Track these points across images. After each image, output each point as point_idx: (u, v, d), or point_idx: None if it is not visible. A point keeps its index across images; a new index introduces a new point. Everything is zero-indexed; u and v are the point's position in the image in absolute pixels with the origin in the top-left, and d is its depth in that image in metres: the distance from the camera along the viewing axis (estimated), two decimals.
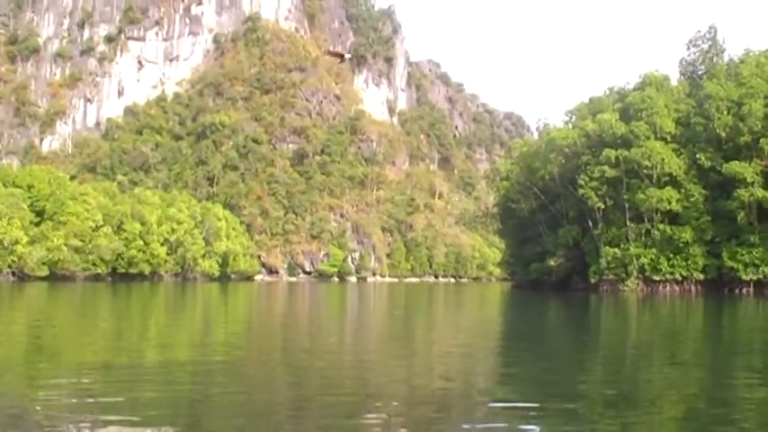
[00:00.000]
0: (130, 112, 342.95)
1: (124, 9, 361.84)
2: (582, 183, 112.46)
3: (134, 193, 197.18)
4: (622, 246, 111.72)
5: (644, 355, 26.69)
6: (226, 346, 26.64)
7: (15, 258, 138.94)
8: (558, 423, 12.92)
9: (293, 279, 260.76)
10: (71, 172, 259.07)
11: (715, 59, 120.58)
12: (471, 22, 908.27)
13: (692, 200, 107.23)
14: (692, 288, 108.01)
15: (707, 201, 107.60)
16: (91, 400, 14.51)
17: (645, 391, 17.03)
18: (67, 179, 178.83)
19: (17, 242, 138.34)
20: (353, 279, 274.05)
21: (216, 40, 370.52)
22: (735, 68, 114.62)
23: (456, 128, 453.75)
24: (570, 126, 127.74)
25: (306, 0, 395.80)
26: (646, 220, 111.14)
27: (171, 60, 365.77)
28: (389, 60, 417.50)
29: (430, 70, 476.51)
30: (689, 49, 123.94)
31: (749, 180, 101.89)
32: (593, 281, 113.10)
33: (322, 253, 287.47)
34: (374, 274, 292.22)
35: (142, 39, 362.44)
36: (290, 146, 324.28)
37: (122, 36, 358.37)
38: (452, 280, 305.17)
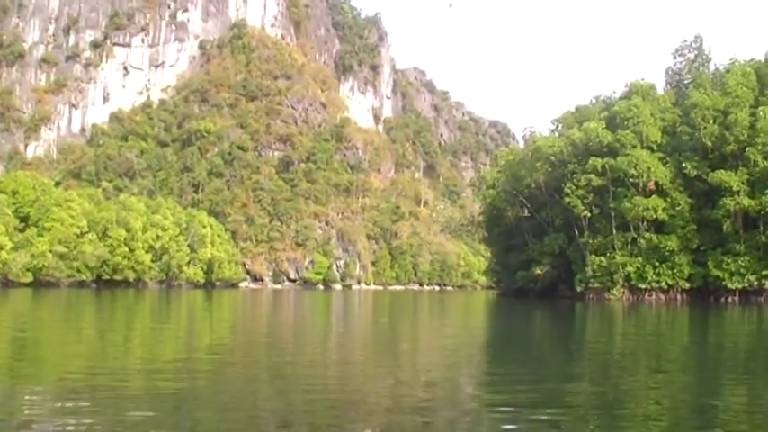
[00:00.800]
0: (115, 118, 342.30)
1: (110, 15, 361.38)
2: (568, 191, 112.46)
3: (119, 200, 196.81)
4: (608, 254, 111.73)
5: (630, 362, 26.61)
6: (210, 354, 26.42)
7: (0, 265, 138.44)
8: (545, 431, 12.74)
9: (278, 286, 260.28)
10: (56, 178, 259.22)
11: (701, 69, 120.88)
12: (457, 30, 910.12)
13: (677, 209, 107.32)
14: (678, 296, 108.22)
15: (693, 209, 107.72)
16: (71, 406, 14.35)
17: (631, 398, 16.96)
18: (52, 185, 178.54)
19: (1, 248, 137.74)
20: (338, 287, 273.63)
21: (202, 47, 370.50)
22: (720, 78, 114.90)
23: (441, 136, 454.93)
24: (556, 134, 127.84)
25: (292, 7, 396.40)
26: (632, 228, 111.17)
27: (156, 67, 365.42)
28: (375, 68, 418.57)
29: (416, 78, 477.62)
30: (675, 58, 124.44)
31: (735, 189, 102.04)
32: (578, 289, 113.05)
33: (307, 260, 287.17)
34: (359, 282, 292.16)
35: (128, 45, 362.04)
36: (276, 153, 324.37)
37: (108, 42, 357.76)
38: (437, 288, 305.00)
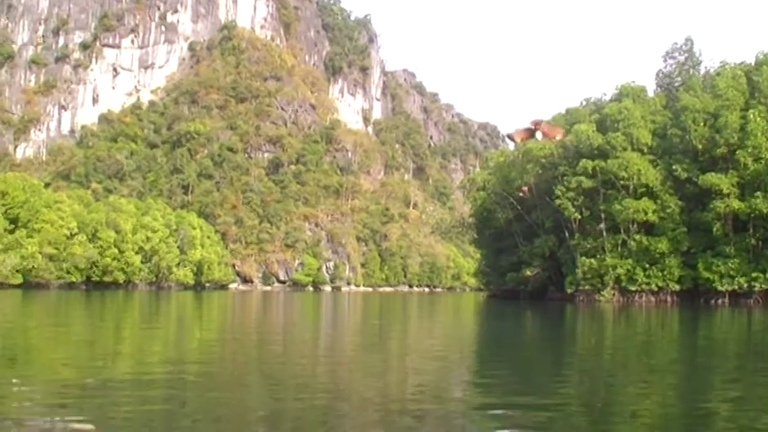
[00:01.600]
0: (105, 119, 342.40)
1: (99, 16, 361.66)
2: (558, 193, 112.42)
3: (108, 201, 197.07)
4: (598, 256, 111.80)
5: (620, 363, 26.71)
6: (200, 355, 26.30)
7: None
8: None
9: (267, 288, 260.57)
10: (45, 179, 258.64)
11: (691, 71, 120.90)
12: (447, 32, 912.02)
13: (668, 211, 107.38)
14: (668, 298, 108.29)
15: (683, 212, 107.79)
16: (59, 408, 14.19)
17: (622, 400, 16.91)
18: (42, 186, 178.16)
19: None
20: (328, 288, 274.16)
21: (191, 48, 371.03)
22: (711, 80, 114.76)
23: (431, 137, 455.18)
24: None
25: (282, 9, 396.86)
26: (622, 230, 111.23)
27: (146, 68, 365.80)
28: (365, 70, 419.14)
29: (405, 80, 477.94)
30: (665, 61, 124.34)
31: (725, 191, 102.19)
32: (569, 291, 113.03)
33: (296, 262, 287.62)
34: (348, 284, 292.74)
35: (117, 46, 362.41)
36: (266, 155, 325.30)
37: (97, 43, 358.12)
38: (427, 290, 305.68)
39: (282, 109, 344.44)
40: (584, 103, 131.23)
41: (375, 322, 55.10)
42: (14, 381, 13.43)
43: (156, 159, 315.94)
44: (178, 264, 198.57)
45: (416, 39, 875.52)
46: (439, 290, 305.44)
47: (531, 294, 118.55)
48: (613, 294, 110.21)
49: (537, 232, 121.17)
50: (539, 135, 38.07)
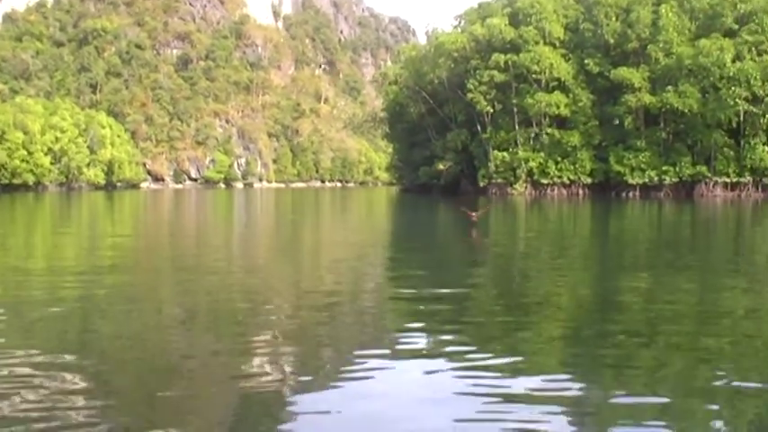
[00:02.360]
0: (9, 18, 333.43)
1: None
2: (471, 87, 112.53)
3: (15, 102, 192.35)
4: (511, 150, 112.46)
5: (533, 253, 26.95)
6: (112, 257, 25.68)
7: None
8: (448, 327, 12.66)
9: (179, 186, 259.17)
10: None
11: None
12: None
13: (580, 105, 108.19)
14: (580, 191, 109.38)
15: (594, 106, 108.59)
16: None
17: (535, 291, 17.00)
18: None
19: None
20: (240, 185, 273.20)
21: None
22: None
23: (341, 32, 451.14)
24: (459, 31, 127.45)
25: None
26: (534, 124, 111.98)
27: None
28: None
29: None
30: None
31: (636, 86, 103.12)
32: (481, 184, 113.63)
33: (208, 159, 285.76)
34: (260, 180, 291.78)
35: None
36: (174, 51, 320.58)
37: None
38: (339, 185, 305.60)
39: (190, 4, 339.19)
40: None
41: (292, 218, 55.15)
42: None
43: (62, 58, 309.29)
44: (88, 164, 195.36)
45: None
46: (351, 185, 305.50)
47: (444, 188, 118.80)
48: (526, 187, 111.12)
49: (449, 126, 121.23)
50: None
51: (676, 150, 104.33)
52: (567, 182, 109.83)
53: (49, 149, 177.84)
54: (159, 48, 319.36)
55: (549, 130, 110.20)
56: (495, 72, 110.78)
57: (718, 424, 7.83)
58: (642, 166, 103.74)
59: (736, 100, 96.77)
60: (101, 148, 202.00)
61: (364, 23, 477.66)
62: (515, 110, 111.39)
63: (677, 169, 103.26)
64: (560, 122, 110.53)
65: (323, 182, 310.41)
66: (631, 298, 15.66)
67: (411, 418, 7.84)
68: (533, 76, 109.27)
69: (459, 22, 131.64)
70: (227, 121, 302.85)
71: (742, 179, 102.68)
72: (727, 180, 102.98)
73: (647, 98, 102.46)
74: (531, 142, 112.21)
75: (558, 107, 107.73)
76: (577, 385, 9.01)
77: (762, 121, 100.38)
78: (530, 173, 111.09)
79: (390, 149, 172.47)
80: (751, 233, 39.71)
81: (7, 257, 24.57)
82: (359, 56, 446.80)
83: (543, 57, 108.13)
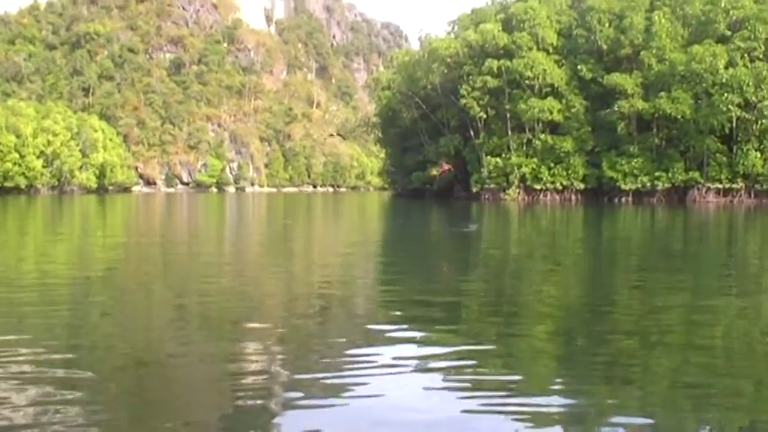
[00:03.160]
0: (2, 21, 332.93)
1: None
2: (464, 93, 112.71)
3: (7, 105, 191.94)
4: (504, 155, 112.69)
5: (526, 259, 26.79)
6: (104, 260, 25.64)
7: None
8: (440, 332, 12.68)
9: (171, 190, 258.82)
10: None
11: None
12: None
13: (573, 110, 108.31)
14: (573, 197, 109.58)
15: (588, 111, 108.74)
16: None
17: (527, 290, 17.03)
18: None
19: None
20: (232, 189, 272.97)
21: None
22: None
23: (333, 37, 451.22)
24: (453, 36, 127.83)
25: None
26: (527, 129, 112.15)
27: None
28: None
29: None
30: None
31: (629, 92, 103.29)
32: (474, 190, 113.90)
33: (200, 163, 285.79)
34: (252, 184, 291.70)
35: None
36: (167, 55, 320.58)
37: None
38: (331, 189, 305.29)
39: (183, 8, 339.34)
40: (490, 2, 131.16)
41: (286, 222, 55.19)
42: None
43: (55, 61, 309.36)
44: (80, 167, 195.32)
45: None
46: (343, 189, 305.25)
47: (436, 193, 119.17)
48: (518, 193, 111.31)
49: (442, 131, 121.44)
50: None
51: (669, 156, 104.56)
52: (560, 187, 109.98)
53: (42, 152, 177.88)
54: (152, 52, 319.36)
55: (542, 136, 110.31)
56: (488, 78, 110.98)
57: None
58: (635, 171, 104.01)
59: (729, 106, 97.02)
60: (93, 152, 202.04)
61: (357, 28, 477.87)
62: (508, 115, 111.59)
63: (670, 175, 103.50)
64: (553, 128, 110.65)
65: (315, 186, 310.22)
66: (624, 305, 15.64)
67: (405, 423, 7.90)
68: (526, 81, 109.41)
69: (453, 28, 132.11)
70: (220, 126, 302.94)
71: (734, 185, 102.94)
72: (720, 186, 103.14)
73: (640, 104, 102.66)
74: (524, 148, 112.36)
75: (551, 113, 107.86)
76: (569, 394, 9.05)
77: (754, 127, 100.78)
78: (522, 178, 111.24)
79: (383, 154, 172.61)
80: (743, 239, 39.83)
81: None
82: (351, 61, 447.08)
83: (536, 62, 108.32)
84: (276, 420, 7.91)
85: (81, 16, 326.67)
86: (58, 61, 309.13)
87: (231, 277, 20.04)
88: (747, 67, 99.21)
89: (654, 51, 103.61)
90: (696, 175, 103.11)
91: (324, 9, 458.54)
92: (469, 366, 9.95)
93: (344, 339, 11.79)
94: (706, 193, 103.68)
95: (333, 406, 8.27)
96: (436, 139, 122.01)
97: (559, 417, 8.06)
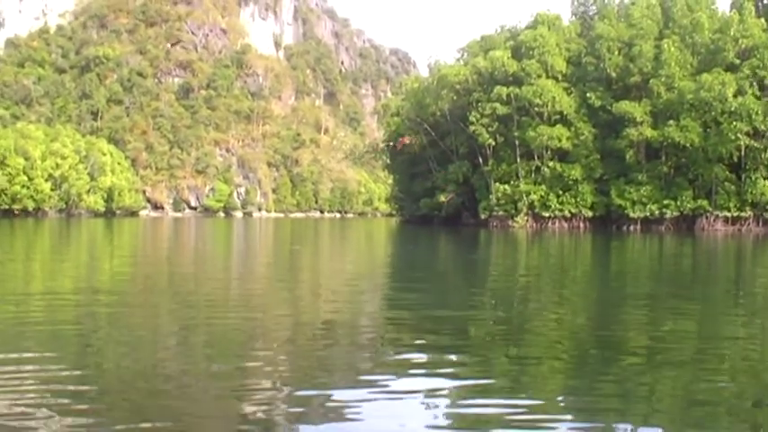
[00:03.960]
0: (12, 44, 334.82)
1: None
2: (473, 119, 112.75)
3: (17, 128, 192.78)
4: (512, 182, 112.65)
5: (534, 286, 26.63)
6: (112, 285, 25.59)
7: None
8: (447, 361, 12.67)
9: (178, 214, 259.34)
10: None
11: (606, 0, 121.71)
12: None
13: (581, 138, 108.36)
14: (581, 224, 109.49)
15: (596, 139, 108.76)
16: None
17: (536, 324, 16.92)
18: None
19: None
20: (239, 214, 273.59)
21: None
22: (626, 10, 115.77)
23: (342, 63, 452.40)
24: (462, 63, 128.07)
25: None
26: (536, 157, 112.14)
27: None
28: None
29: (316, 4, 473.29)
30: None
31: (638, 119, 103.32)
32: (483, 216, 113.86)
33: (207, 188, 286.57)
34: (260, 209, 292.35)
35: None
36: (176, 80, 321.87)
37: None
38: (338, 215, 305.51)
39: (193, 33, 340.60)
40: (500, 30, 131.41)
41: (295, 248, 55.15)
42: None
43: (64, 85, 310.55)
44: (88, 191, 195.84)
45: None
46: (350, 215, 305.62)
47: (444, 220, 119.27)
48: (527, 220, 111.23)
49: (451, 158, 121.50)
50: None
51: (677, 184, 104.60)
52: (569, 215, 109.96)
53: (50, 175, 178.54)
54: (161, 76, 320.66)
55: (550, 164, 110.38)
56: (497, 105, 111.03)
57: None
58: (643, 199, 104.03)
59: (738, 134, 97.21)
60: (101, 175, 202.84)
61: (365, 54, 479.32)
62: (517, 142, 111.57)
63: (678, 203, 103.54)
64: (562, 156, 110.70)
65: (322, 212, 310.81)
66: (631, 330, 15.68)
67: None
68: (535, 109, 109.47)
69: (462, 55, 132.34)
70: (228, 150, 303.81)
71: (743, 213, 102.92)
72: (728, 214, 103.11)
73: (649, 132, 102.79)
74: (533, 175, 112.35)
75: (560, 140, 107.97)
76: (574, 416, 9.11)
77: (763, 155, 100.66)
78: (531, 205, 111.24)
79: (390, 180, 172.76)
80: (752, 268, 39.76)
81: (4, 283, 24.59)
82: (359, 87, 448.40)
83: (545, 90, 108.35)
84: None
85: (90, 40, 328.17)
86: (68, 84, 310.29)
87: (239, 301, 19.99)
88: (756, 96, 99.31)
89: (663, 79, 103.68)
90: (704, 203, 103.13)
91: (332, 35, 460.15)
92: (478, 387, 10.01)
93: (352, 367, 11.69)
94: (714, 221, 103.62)
95: None
96: (445, 165, 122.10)
97: None
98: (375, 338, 14.37)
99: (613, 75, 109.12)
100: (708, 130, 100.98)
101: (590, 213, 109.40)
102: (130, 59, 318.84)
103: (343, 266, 36.43)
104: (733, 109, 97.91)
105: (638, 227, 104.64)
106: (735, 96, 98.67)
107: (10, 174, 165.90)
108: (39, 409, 8.76)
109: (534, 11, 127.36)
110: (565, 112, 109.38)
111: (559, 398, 9.92)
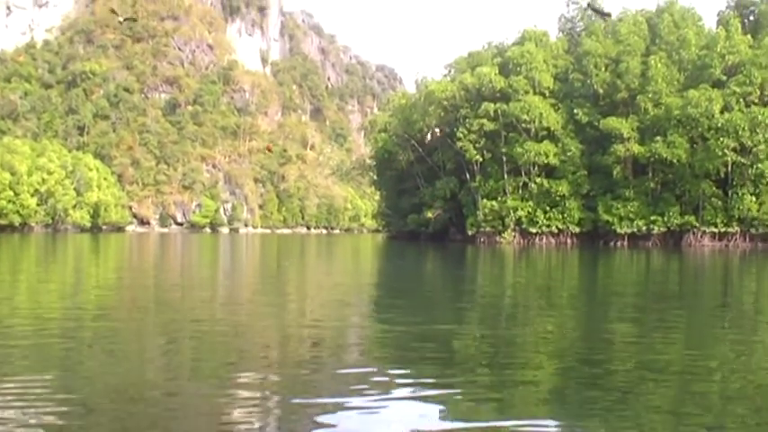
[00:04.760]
0: None
1: None
2: (460, 135, 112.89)
3: (2, 143, 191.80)
4: (499, 198, 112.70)
5: (521, 303, 26.57)
6: (97, 302, 25.06)
7: None
8: (431, 381, 12.52)
9: (165, 230, 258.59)
10: None
11: (593, 17, 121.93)
12: None
13: (569, 154, 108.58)
14: (568, 240, 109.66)
15: (584, 155, 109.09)
16: None
17: (523, 342, 16.67)
18: None
19: None
20: (225, 230, 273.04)
21: None
22: (613, 26, 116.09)
23: (328, 79, 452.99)
24: (449, 79, 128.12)
25: None
26: (523, 173, 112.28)
27: (40, 6, 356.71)
28: (263, 10, 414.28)
29: (303, 21, 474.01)
30: (568, 5, 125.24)
31: (625, 136, 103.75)
32: (470, 233, 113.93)
33: (194, 204, 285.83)
34: (246, 225, 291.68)
35: None
36: (162, 95, 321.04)
37: None
38: (324, 231, 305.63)
39: (179, 49, 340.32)
40: (487, 46, 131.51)
41: (284, 263, 55.01)
42: None
43: (50, 100, 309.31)
44: (75, 206, 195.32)
45: None
46: (337, 231, 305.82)
47: (432, 236, 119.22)
48: (514, 236, 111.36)
49: (438, 174, 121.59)
50: None
51: (664, 200, 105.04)
52: (556, 231, 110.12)
53: (36, 191, 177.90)
54: (147, 91, 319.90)
55: (537, 180, 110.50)
56: (484, 121, 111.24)
57: None
58: (630, 215, 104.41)
59: (725, 150, 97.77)
60: (87, 191, 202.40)
61: (351, 71, 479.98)
62: (504, 159, 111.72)
63: (665, 219, 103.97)
64: (549, 172, 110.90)
65: (308, 228, 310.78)
66: (618, 346, 15.64)
67: None
68: (523, 125, 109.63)
69: (449, 71, 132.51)
70: (214, 166, 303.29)
71: (730, 229, 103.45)
72: (715, 230, 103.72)
73: (636, 148, 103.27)
74: (520, 191, 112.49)
75: (547, 156, 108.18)
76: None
77: (750, 171, 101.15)
78: (518, 222, 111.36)
79: (377, 196, 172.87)
80: (738, 284, 39.76)
81: None
82: (345, 103, 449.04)
83: (533, 106, 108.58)
84: None
85: (77, 55, 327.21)
86: (54, 100, 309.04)
87: (226, 318, 19.83)
88: (743, 112, 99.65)
89: (650, 95, 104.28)
90: (691, 219, 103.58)
91: (319, 51, 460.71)
92: (465, 403, 9.93)
93: (339, 383, 11.62)
94: (701, 236, 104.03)
95: None
96: (432, 181, 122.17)
97: None
98: (362, 355, 14.30)
99: (600, 91, 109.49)
100: (695, 146, 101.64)
101: (577, 229, 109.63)
102: (117, 75, 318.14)
103: (331, 281, 36.30)
104: (720, 125, 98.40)
105: (626, 243, 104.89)
106: (721, 112, 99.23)
107: None
108: (23, 426, 8.59)
109: (521, 27, 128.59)
110: (552, 129, 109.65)
111: (546, 417, 9.79)
